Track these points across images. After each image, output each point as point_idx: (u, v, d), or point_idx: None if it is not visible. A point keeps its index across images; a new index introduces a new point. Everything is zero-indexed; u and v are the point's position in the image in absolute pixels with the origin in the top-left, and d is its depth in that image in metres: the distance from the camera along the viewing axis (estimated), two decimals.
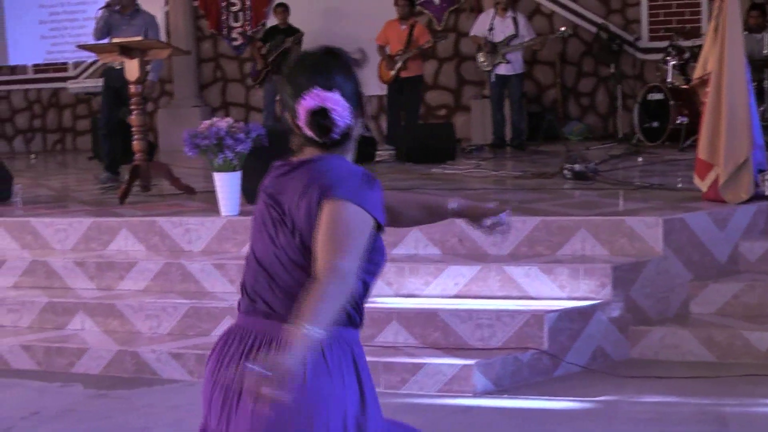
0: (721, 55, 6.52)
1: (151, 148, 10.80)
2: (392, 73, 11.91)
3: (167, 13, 15.13)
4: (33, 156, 15.07)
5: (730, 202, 6.49)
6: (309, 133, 2.60)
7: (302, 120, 2.59)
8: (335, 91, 2.59)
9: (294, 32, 12.94)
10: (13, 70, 16.66)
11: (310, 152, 2.67)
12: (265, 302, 2.65)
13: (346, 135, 2.64)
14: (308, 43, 13.74)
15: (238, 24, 15.15)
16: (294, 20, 13.16)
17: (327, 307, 2.41)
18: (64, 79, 15.80)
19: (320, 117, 2.57)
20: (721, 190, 6.51)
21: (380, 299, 6.01)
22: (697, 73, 7.30)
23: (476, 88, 13.81)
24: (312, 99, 2.57)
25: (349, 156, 2.72)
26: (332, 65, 2.66)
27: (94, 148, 12.77)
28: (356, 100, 2.67)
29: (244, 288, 2.73)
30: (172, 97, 15.34)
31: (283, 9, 13.29)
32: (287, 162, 2.71)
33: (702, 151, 6.69)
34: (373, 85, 12.69)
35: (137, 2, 10.03)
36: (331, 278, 2.44)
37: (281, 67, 12.64)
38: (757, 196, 6.58)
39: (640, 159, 10.02)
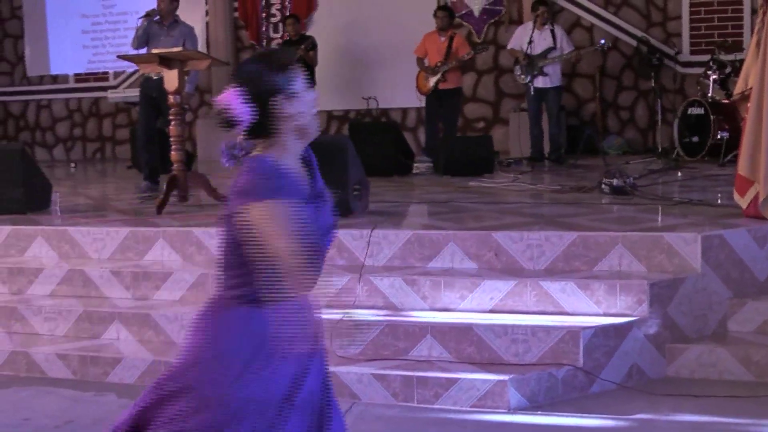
0: (762, 71, 6.46)
1: (189, 158, 10.85)
2: (431, 84, 11.91)
3: (207, 24, 15.23)
4: (73, 165, 15.20)
5: None
6: None
7: None
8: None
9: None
10: (55, 79, 16.85)
11: None
12: None
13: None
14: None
15: (278, 35, 15.21)
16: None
17: None
18: (105, 89, 15.98)
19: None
20: (761, 206, 6.44)
21: (415, 313, 6.00)
22: (738, 88, 7.23)
23: (515, 101, 13.77)
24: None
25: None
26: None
27: (133, 157, 12.87)
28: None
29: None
30: (211, 107, 15.39)
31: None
32: None
33: (742, 167, 6.62)
34: (411, 97, 12.87)
35: (176, 13, 10.11)
36: None
37: None
38: None
39: (679, 174, 9.95)
